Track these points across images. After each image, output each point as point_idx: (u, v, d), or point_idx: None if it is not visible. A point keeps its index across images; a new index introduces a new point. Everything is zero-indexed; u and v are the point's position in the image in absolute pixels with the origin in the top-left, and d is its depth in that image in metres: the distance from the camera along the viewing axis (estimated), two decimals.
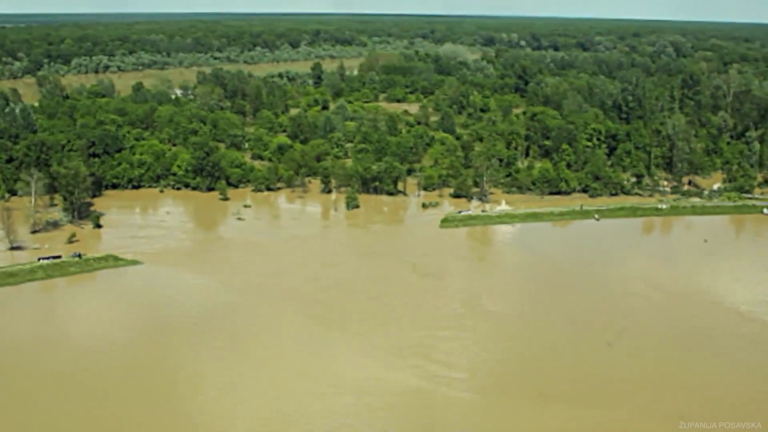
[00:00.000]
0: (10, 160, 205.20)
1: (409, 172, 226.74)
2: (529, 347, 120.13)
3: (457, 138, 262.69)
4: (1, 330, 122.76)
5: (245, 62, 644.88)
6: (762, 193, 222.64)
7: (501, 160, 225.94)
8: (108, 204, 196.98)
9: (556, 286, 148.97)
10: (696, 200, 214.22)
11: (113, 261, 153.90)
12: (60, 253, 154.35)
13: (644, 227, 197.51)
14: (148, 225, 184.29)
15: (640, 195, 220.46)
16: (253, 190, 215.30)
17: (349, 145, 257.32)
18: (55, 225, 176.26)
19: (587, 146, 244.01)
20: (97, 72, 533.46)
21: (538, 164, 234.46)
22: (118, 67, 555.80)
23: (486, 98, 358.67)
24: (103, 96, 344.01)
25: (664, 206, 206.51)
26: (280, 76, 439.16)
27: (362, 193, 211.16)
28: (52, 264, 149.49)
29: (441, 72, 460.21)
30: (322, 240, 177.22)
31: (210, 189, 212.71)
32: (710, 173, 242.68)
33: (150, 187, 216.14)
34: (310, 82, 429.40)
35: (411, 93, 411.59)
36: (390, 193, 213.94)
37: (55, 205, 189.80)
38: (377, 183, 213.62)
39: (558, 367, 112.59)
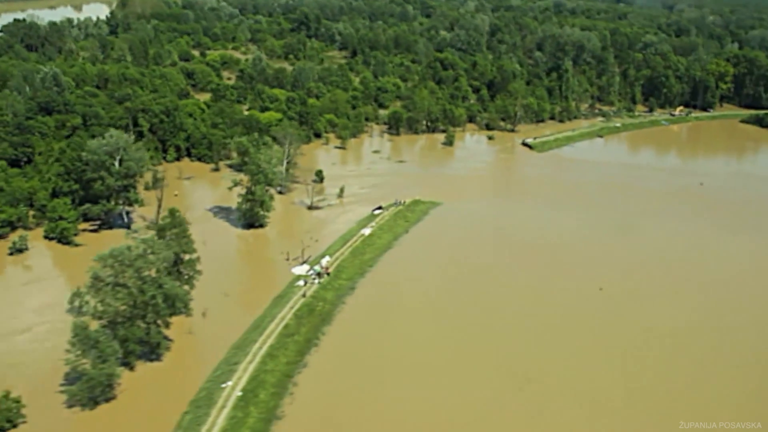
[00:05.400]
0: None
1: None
2: None
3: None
4: None
5: None
6: (642, 111, 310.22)
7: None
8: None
9: None
10: (623, 119, 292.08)
11: (422, 204, 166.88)
12: (380, 204, 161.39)
13: (645, 138, 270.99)
14: (345, 172, 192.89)
15: (582, 119, 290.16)
16: (337, 137, 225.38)
17: None
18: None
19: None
20: None
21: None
22: None
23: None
24: None
25: (618, 125, 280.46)
26: (67, 24, 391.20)
27: (423, 133, 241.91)
28: (394, 213, 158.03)
29: (207, 19, 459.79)
30: (515, 168, 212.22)
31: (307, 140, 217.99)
32: (586, 100, 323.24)
33: None
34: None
35: (213, 41, 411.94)
36: (443, 131, 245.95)
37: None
38: (437, 123, 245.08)
39: None
